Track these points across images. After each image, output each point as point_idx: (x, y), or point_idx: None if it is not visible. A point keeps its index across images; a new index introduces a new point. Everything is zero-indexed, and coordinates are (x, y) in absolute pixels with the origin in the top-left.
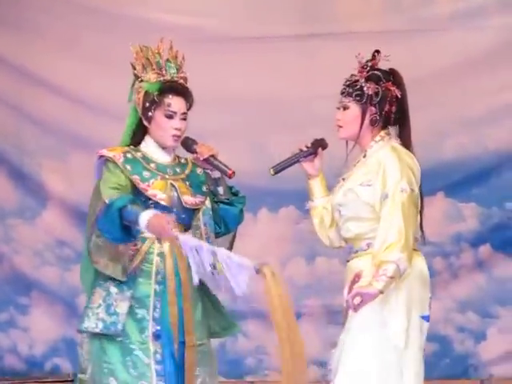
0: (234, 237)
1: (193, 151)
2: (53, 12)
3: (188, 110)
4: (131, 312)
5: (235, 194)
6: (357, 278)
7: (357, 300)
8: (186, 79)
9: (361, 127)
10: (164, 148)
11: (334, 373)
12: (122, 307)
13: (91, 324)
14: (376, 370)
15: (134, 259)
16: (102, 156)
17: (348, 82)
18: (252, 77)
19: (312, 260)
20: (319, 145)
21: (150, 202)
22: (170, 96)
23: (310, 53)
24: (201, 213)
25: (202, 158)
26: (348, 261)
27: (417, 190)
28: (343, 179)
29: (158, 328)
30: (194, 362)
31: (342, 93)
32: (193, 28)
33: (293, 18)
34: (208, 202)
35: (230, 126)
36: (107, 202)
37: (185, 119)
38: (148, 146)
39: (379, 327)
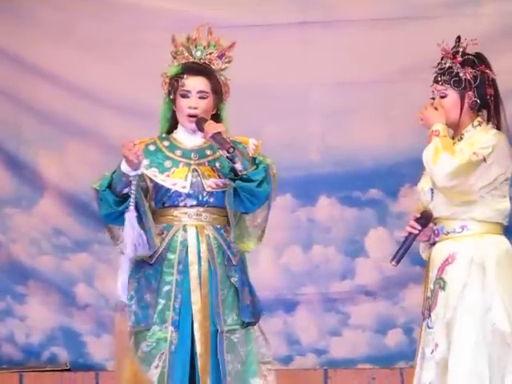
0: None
1: (202, 130)
2: (49, 1)
3: (217, 90)
4: (155, 303)
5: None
6: (450, 258)
7: None
8: (213, 60)
9: (461, 113)
10: (196, 132)
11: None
12: (151, 300)
13: None
14: (484, 356)
15: (158, 248)
16: None
17: (441, 70)
18: (249, 64)
19: (308, 248)
20: (426, 221)
21: (171, 191)
22: (185, 76)
23: (306, 40)
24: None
25: (207, 137)
26: (435, 243)
27: None
28: None
29: (177, 318)
30: (208, 348)
31: (437, 81)
32: (191, 16)
33: (289, 5)
34: None
35: (227, 114)
36: (97, 188)
37: (204, 98)
38: (178, 132)
39: (483, 311)
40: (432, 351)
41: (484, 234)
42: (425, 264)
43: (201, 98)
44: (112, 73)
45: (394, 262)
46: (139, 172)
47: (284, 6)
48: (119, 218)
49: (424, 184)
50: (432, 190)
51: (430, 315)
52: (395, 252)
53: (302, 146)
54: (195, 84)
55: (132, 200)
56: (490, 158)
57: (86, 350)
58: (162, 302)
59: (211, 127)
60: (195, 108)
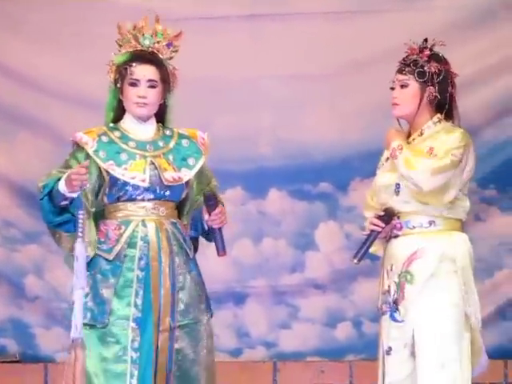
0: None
1: (209, 212)
2: None
3: (165, 79)
4: (114, 299)
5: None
6: (418, 253)
7: None
8: (161, 49)
9: (419, 105)
10: (145, 121)
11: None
12: (108, 295)
13: None
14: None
15: (117, 244)
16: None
17: (407, 61)
18: (200, 57)
19: (258, 241)
20: (389, 219)
21: (129, 185)
22: (134, 64)
23: (256, 33)
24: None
25: (211, 224)
26: (396, 236)
27: None
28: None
29: (140, 315)
30: (166, 346)
31: (401, 71)
32: (139, 8)
33: None
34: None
35: (176, 107)
36: (40, 187)
37: (153, 87)
38: (126, 122)
39: (453, 305)
40: (405, 344)
41: (451, 231)
42: (375, 257)
43: (150, 86)
44: (61, 64)
45: (355, 260)
46: (75, 195)
47: None
48: (59, 227)
49: (384, 179)
50: (398, 184)
51: (397, 309)
52: (357, 250)
53: (253, 138)
54: (144, 72)
55: (80, 230)
56: (464, 158)
57: (36, 342)
58: (121, 298)
59: (216, 220)
60: (144, 97)
